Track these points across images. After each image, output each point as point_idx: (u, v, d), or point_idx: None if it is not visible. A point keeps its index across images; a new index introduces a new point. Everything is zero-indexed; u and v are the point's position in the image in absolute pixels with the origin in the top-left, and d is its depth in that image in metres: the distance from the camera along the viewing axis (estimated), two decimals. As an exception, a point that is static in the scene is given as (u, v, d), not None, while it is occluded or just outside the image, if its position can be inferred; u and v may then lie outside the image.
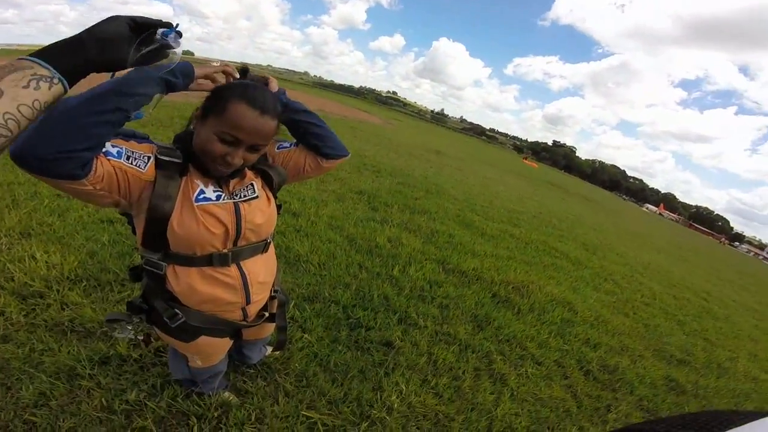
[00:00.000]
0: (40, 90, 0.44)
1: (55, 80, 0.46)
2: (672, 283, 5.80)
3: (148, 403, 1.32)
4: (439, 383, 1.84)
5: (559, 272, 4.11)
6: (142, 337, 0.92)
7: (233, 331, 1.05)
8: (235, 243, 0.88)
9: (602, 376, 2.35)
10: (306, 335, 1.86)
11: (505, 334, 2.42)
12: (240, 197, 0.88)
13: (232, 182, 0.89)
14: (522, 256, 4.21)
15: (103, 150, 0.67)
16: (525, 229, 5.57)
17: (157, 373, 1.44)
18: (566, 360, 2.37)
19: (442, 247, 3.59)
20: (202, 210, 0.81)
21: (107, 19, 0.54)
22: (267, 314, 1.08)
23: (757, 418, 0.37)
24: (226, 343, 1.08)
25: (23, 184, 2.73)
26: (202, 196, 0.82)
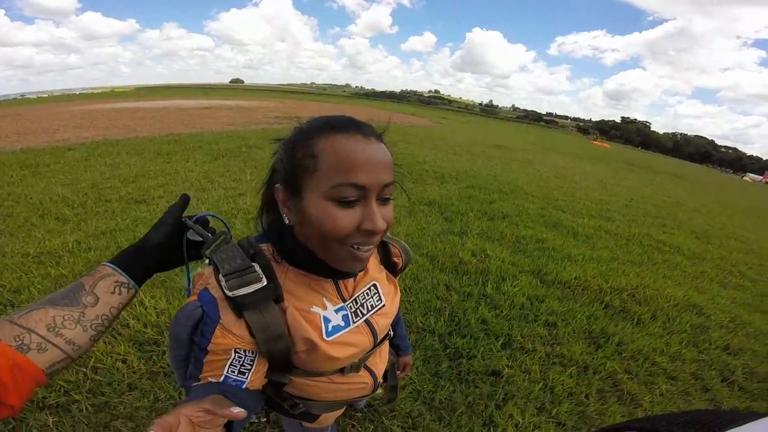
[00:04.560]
0: (122, 295, 0.56)
1: (131, 285, 0.57)
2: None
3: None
4: (559, 411, 1.64)
5: (675, 270, 3.52)
6: (265, 419, 0.83)
7: None
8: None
9: (750, 385, 2.03)
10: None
11: (630, 350, 2.11)
12: (367, 309, 0.68)
13: (352, 283, 0.67)
14: (627, 255, 3.66)
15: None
16: (620, 223, 4.90)
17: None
18: (705, 371, 2.08)
19: (534, 256, 3.23)
20: (336, 343, 0.63)
21: (156, 225, 0.62)
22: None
23: (757, 418, 0.36)
24: (341, 409, 0.98)
25: (124, 231, 2.94)
26: (330, 327, 0.62)
